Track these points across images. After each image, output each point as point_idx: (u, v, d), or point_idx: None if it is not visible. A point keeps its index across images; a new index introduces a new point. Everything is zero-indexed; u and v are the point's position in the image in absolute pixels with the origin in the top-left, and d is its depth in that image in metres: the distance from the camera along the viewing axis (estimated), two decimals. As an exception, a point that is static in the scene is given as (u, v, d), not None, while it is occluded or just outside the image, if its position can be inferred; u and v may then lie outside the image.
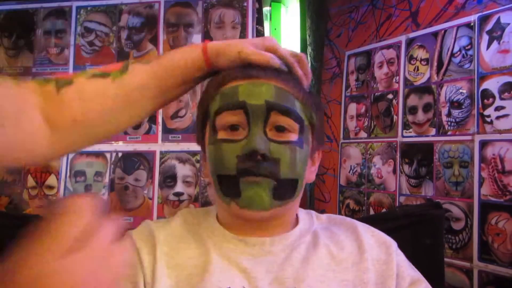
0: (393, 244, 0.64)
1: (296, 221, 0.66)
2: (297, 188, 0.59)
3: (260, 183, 0.55)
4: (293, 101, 0.58)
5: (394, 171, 1.52)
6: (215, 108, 0.59)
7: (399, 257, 0.63)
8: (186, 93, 0.65)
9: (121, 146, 1.47)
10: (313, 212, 0.70)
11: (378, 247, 0.63)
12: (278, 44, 0.62)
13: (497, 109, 1.20)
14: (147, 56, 0.64)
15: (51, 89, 0.53)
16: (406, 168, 1.47)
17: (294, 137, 0.57)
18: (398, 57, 1.54)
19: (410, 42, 1.50)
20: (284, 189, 0.57)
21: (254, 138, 0.55)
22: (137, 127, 1.48)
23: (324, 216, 0.70)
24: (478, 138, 1.24)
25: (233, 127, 0.57)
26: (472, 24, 1.28)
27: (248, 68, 0.59)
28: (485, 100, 1.23)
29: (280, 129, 0.57)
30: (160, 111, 1.47)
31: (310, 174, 0.64)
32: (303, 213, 0.68)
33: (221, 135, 0.58)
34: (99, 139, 0.60)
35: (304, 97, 0.60)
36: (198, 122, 0.64)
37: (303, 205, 0.70)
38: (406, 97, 1.50)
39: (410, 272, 0.62)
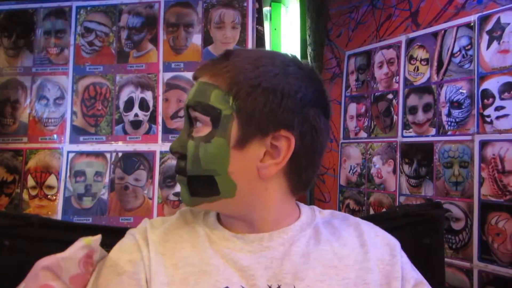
0: (397, 245, 0.64)
1: (298, 215, 0.65)
2: (218, 184, 0.56)
3: (180, 182, 0.61)
4: (209, 93, 0.57)
5: (394, 171, 1.52)
6: None
7: (403, 259, 0.63)
8: None
9: (121, 146, 1.47)
10: (316, 208, 0.69)
11: (383, 247, 0.62)
12: None
13: (497, 109, 1.20)
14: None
15: None
16: (406, 168, 1.47)
17: (205, 131, 0.57)
18: (398, 57, 1.54)
19: (410, 42, 1.50)
20: (196, 186, 0.59)
21: (177, 138, 0.61)
22: (137, 127, 1.48)
23: (327, 212, 0.69)
24: (478, 138, 1.24)
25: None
26: (472, 24, 1.28)
27: (198, 68, 0.63)
28: (485, 100, 1.23)
29: (196, 122, 0.59)
30: (160, 111, 1.47)
31: (263, 169, 0.56)
32: (305, 208, 0.67)
33: None
34: None
35: (231, 82, 0.55)
36: None
37: (302, 203, 0.70)
38: (406, 97, 1.50)
39: (413, 274, 0.62)
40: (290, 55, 0.62)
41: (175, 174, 0.62)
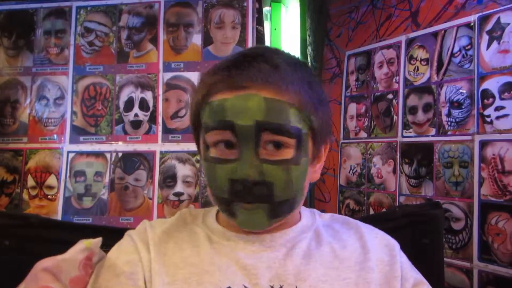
0: (396, 245, 0.64)
1: (299, 218, 0.65)
2: (296, 202, 0.59)
3: (253, 209, 0.54)
4: (287, 112, 0.53)
5: (394, 171, 1.52)
6: (205, 122, 0.56)
7: (402, 259, 0.63)
8: None
9: (121, 146, 1.47)
10: (316, 211, 0.70)
11: (382, 248, 0.63)
12: None
13: (497, 109, 1.20)
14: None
15: None
16: (406, 168, 1.47)
17: (290, 153, 0.54)
18: (398, 57, 1.54)
19: (410, 42, 1.50)
20: (280, 209, 0.56)
21: (244, 163, 0.52)
22: (137, 127, 1.48)
23: (327, 215, 0.70)
24: (478, 138, 1.24)
25: (225, 144, 0.55)
26: (472, 24, 1.28)
27: (233, 76, 0.54)
28: (485, 100, 1.23)
29: (276, 145, 0.54)
30: (160, 111, 1.47)
31: (314, 174, 0.62)
32: (306, 211, 0.68)
33: (213, 152, 0.56)
34: None
35: (301, 99, 0.55)
36: (191, 125, 0.62)
37: (303, 205, 0.70)
38: (406, 97, 1.50)
39: (413, 273, 0.62)
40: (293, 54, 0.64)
41: (249, 204, 0.54)
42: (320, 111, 0.58)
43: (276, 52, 0.59)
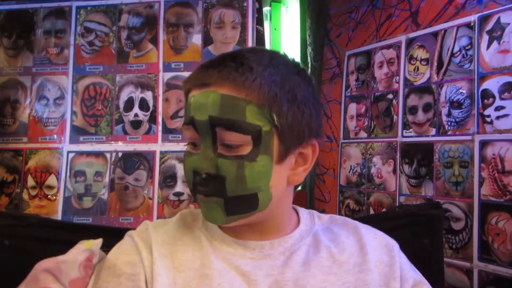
0: (395, 246, 0.64)
1: (297, 222, 0.65)
2: (259, 200, 0.56)
3: (208, 203, 0.56)
4: (243, 109, 0.53)
5: (394, 171, 1.52)
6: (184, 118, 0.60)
7: (402, 259, 0.63)
8: None
9: (121, 146, 1.47)
10: (314, 212, 0.69)
11: (381, 249, 0.63)
12: None
13: (497, 109, 1.20)
14: None
15: None
16: (406, 168, 1.47)
17: (246, 150, 0.54)
18: (398, 57, 1.54)
19: (410, 42, 1.50)
20: (236, 205, 0.55)
21: (199, 156, 0.55)
22: (137, 127, 1.48)
23: (326, 217, 0.69)
24: (478, 138, 1.24)
25: (191, 139, 0.58)
26: (472, 24, 1.28)
27: (201, 73, 0.56)
28: (485, 100, 1.23)
29: (227, 146, 0.54)
30: (160, 111, 1.47)
31: (294, 176, 0.59)
32: (305, 213, 0.67)
33: (187, 147, 0.60)
34: None
35: (262, 96, 0.54)
36: None
37: (303, 206, 0.70)
38: (406, 97, 1.50)
39: (412, 274, 0.62)
40: (283, 54, 0.62)
41: (204, 196, 0.56)
42: (290, 110, 0.55)
43: (254, 52, 0.59)
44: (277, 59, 0.59)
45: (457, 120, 1.31)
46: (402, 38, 1.52)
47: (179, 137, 1.46)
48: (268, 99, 0.54)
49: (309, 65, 2.01)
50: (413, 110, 1.46)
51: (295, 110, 0.56)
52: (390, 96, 1.57)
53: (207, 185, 0.55)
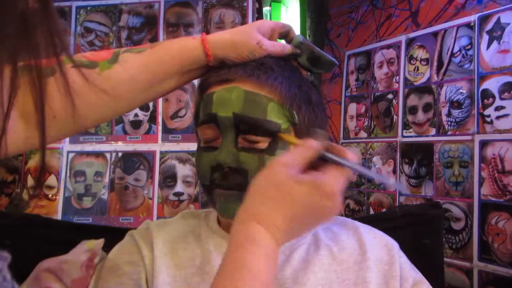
0: (395, 245, 0.64)
1: None
2: None
3: (229, 197, 0.56)
4: (265, 106, 0.55)
5: (394, 171, 1.52)
6: (200, 117, 0.59)
7: (401, 259, 0.63)
8: (180, 86, 0.63)
9: (121, 146, 1.47)
10: None
11: (381, 248, 0.63)
12: (291, 28, 0.62)
13: (497, 109, 1.20)
14: (143, 44, 0.59)
15: (31, 80, 0.49)
16: (406, 168, 1.47)
17: (264, 144, 0.55)
18: (398, 57, 1.54)
19: (410, 42, 1.50)
20: None
21: (221, 150, 0.55)
22: (137, 127, 1.48)
23: None
24: (478, 138, 1.24)
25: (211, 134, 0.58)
26: (472, 24, 1.28)
27: (223, 70, 0.57)
28: (485, 100, 1.23)
29: (249, 140, 0.56)
30: (160, 111, 1.47)
31: None
32: None
33: (203, 143, 0.60)
34: (75, 133, 0.58)
35: (283, 94, 0.56)
36: (194, 124, 0.65)
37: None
38: (406, 97, 1.50)
39: (412, 273, 0.62)
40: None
41: (225, 189, 0.56)
42: (307, 111, 0.58)
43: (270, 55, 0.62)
44: (290, 63, 0.62)
45: (457, 120, 1.31)
46: (402, 38, 1.53)
47: (179, 137, 1.46)
48: (289, 97, 0.56)
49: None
50: (413, 110, 1.46)
51: (311, 111, 0.59)
52: (390, 96, 1.57)
53: (228, 179, 0.55)
